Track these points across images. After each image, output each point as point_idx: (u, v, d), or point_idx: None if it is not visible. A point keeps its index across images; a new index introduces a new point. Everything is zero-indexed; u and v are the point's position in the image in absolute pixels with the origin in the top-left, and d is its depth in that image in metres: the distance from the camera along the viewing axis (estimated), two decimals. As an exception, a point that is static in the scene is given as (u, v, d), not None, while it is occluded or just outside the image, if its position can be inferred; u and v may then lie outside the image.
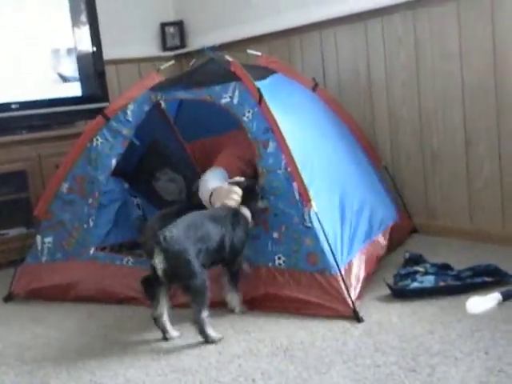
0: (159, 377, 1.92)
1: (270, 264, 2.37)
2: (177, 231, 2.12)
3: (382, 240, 2.73)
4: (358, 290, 2.32)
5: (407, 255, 2.66)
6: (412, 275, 2.43)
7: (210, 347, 2.09)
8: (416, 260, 2.60)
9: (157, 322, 2.18)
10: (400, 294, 2.35)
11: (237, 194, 2.39)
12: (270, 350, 2.02)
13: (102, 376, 1.97)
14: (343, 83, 3.44)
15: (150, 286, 2.18)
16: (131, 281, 2.56)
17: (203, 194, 2.58)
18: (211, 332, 2.14)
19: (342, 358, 1.91)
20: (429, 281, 2.37)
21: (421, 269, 2.45)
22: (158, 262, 2.08)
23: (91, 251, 2.73)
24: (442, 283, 2.36)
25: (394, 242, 2.88)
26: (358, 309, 2.20)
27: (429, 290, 2.34)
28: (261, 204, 2.40)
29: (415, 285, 2.36)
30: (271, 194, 2.41)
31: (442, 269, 2.46)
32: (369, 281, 2.46)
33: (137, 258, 2.67)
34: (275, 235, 2.38)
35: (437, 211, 3.15)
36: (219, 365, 1.96)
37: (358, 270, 2.39)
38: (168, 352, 2.10)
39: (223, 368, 1.93)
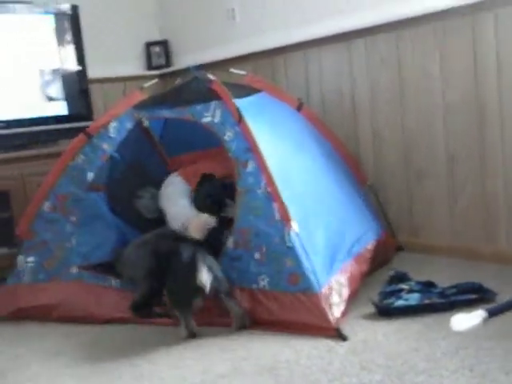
0: (143, 397, 1.90)
1: (254, 286, 2.35)
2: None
3: (365, 257, 2.72)
4: (341, 307, 2.31)
5: (392, 273, 2.66)
6: (397, 293, 2.42)
7: (195, 367, 2.07)
8: (401, 278, 2.59)
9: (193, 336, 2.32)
10: (385, 311, 2.34)
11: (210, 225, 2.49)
12: (255, 369, 2.00)
13: (84, 397, 1.95)
14: (327, 103, 3.46)
15: (146, 310, 2.46)
16: (118, 301, 2.55)
17: (174, 221, 2.63)
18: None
19: (328, 377, 1.89)
20: (414, 298, 2.37)
21: (406, 286, 2.45)
22: (207, 278, 2.25)
23: (74, 271, 2.70)
24: (426, 301, 2.35)
25: (379, 260, 2.88)
26: (342, 327, 2.19)
27: (414, 307, 2.34)
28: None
29: (400, 302, 2.36)
30: (251, 213, 2.41)
31: (427, 286, 2.46)
32: (353, 298, 2.46)
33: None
34: (257, 256, 2.37)
35: (421, 229, 3.17)
36: (203, 384, 1.94)
37: (341, 288, 2.38)
38: (151, 373, 2.07)
39: (208, 388, 1.91)
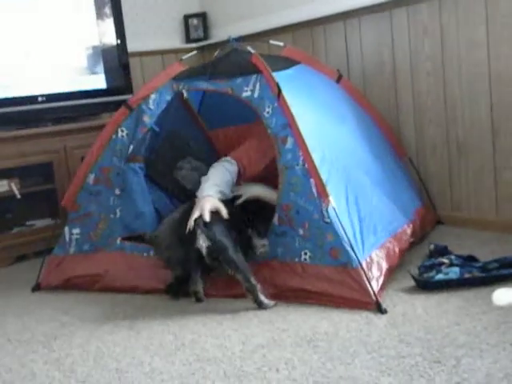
0: (184, 366, 1.94)
1: (297, 259, 2.38)
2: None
3: (404, 231, 2.70)
4: (380, 281, 2.31)
5: (432, 247, 2.64)
6: (437, 267, 2.41)
7: (235, 337, 2.10)
8: (441, 252, 2.58)
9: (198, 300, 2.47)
10: (425, 285, 2.33)
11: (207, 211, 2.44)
12: (294, 340, 2.02)
13: (127, 364, 2.00)
14: (367, 73, 3.42)
15: (175, 291, 2.53)
16: (158, 272, 2.59)
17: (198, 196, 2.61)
18: (264, 299, 2.32)
19: (366, 349, 1.90)
20: (454, 272, 2.35)
21: (446, 260, 2.43)
22: (203, 242, 2.34)
23: (118, 241, 2.76)
24: (467, 275, 2.33)
25: (419, 234, 2.86)
26: (381, 300, 2.20)
27: (454, 281, 2.32)
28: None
29: (440, 276, 2.34)
30: (291, 190, 2.41)
31: (468, 260, 2.44)
32: (393, 272, 2.45)
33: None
34: (301, 232, 2.38)
35: (462, 203, 3.12)
36: (243, 354, 1.97)
37: (381, 262, 2.38)
38: (193, 342, 2.11)
39: (247, 358, 1.94)
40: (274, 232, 2.45)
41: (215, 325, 2.23)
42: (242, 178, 2.73)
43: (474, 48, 2.90)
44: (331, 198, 2.30)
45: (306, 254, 2.36)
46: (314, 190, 2.35)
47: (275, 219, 2.45)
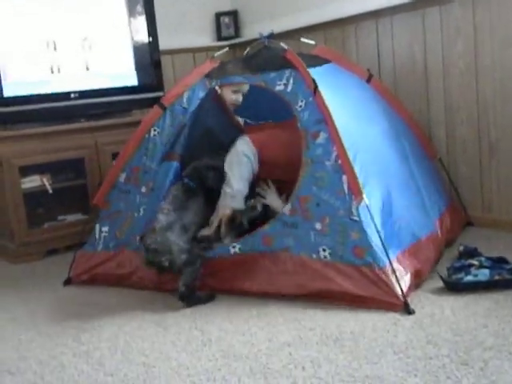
0: (210, 362, 1.95)
1: (314, 256, 2.35)
2: None
3: (434, 232, 2.67)
4: (408, 282, 2.28)
5: (462, 248, 2.62)
6: (466, 268, 2.38)
7: (261, 334, 2.11)
8: (471, 253, 2.55)
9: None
10: (454, 287, 2.31)
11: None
12: (320, 339, 2.02)
13: (154, 359, 2.02)
14: (399, 72, 3.39)
15: (193, 297, 2.50)
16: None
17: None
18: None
19: (393, 349, 1.90)
20: (483, 274, 2.32)
21: (475, 262, 2.41)
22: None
23: (137, 240, 2.77)
24: (497, 277, 2.31)
25: (448, 237, 2.82)
26: (409, 301, 2.18)
27: (483, 283, 2.30)
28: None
29: (469, 278, 2.32)
30: (314, 184, 2.40)
31: (498, 262, 2.41)
32: (420, 275, 2.43)
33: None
34: (318, 226, 2.36)
35: (493, 204, 3.08)
36: (269, 352, 1.98)
37: (407, 263, 2.35)
38: (219, 338, 2.13)
39: (273, 355, 1.95)
40: (282, 221, 2.44)
41: (242, 322, 2.24)
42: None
43: (508, 47, 2.85)
44: (364, 196, 2.29)
45: (324, 250, 2.33)
46: (346, 186, 2.33)
47: (286, 209, 2.44)
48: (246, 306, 2.38)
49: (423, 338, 1.95)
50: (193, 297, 2.45)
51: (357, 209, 2.29)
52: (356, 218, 2.28)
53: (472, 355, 1.80)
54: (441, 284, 2.34)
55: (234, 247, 2.51)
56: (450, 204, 3.02)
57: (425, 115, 3.28)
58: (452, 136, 3.20)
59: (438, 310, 2.15)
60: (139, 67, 3.82)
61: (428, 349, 1.87)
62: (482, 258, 2.44)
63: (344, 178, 2.34)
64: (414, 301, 2.24)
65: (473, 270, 2.36)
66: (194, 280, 2.46)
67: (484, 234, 3.00)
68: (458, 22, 3.04)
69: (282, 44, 2.79)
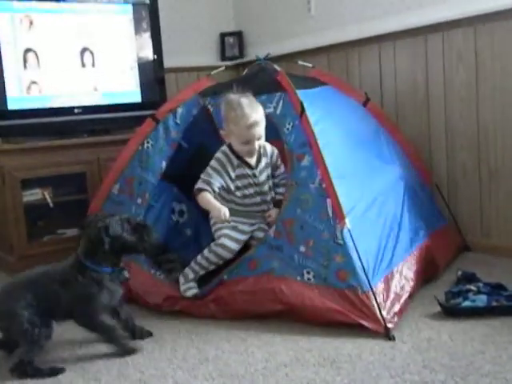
0: (206, 381, 1.95)
1: (299, 278, 2.34)
2: None
3: (422, 255, 2.63)
4: (393, 306, 2.27)
5: (460, 273, 2.62)
6: (464, 294, 2.39)
7: (258, 354, 2.11)
8: (469, 278, 2.56)
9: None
10: (451, 312, 2.32)
11: None
12: (317, 361, 2.02)
13: (150, 375, 2.02)
14: (401, 97, 3.42)
15: None
16: (161, 288, 2.62)
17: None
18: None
19: (390, 373, 1.89)
20: (481, 300, 2.33)
21: (473, 287, 2.41)
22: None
23: None
24: (494, 303, 2.31)
25: (443, 260, 2.82)
26: (406, 324, 2.18)
27: (481, 309, 2.30)
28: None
29: (467, 303, 2.33)
30: (298, 206, 2.41)
31: (496, 288, 2.42)
32: (419, 296, 2.44)
33: (166, 273, 2.72)
34: (302, 249, 2.36)
35: (492, 230, 3.10)
36: (266, 372, 1.98)
37: (393, 287, 2.34)
38: (216, 357, 2.13)
39: (270, 375, 1.95)
40: (268, 243, 2.44)
41: (239, 341, 2.24)
42: None
43: (509, 75, 2.89)
44: (347, 220, 2.29)
45: (308, 273, 2.33)
46: (330, 209, 2.33)
47: (271, 231, 2.46)
48: (244, 325, 2.38)
49: (420, 363, 1.95)
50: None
51: (341, 232, 2.28)
52: (340, 242, 2.28)
53: (468, 381, 1.80)
54: (438, 309, 2.34)
55: (222, 279, 2.50)
56: (443, 228, 3.01)
57: (426, 139, 3.31)
58: (452, 161, 3.22)
59: (435, 335, 2.16)
60: (143, 84, 3.85)
61: (425, 373, 1.87)
62: (480, 284, 2.45)
63: (328, 201, 2.34)
64: (411, 325, 2.24)
65: (471, 296, 2.36)
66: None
67: (482, 259, 3.01)
68: (460, 48, 3.08)
69: (276, 66, 2.82)
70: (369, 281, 2.22)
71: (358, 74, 3.62)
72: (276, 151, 2.70)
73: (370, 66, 3.56)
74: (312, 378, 1.90)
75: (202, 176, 2.59)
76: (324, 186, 2.37)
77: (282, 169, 2.70)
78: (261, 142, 2.58)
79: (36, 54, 3.50)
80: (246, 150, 2.57)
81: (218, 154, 2.64)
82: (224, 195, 2.64)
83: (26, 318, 2.09)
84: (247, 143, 2.55)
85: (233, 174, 2.62)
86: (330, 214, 2.33)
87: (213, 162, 2.62)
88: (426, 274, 2.63)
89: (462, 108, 3.12)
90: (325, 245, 2.31)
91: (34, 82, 3.51)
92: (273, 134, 2.69)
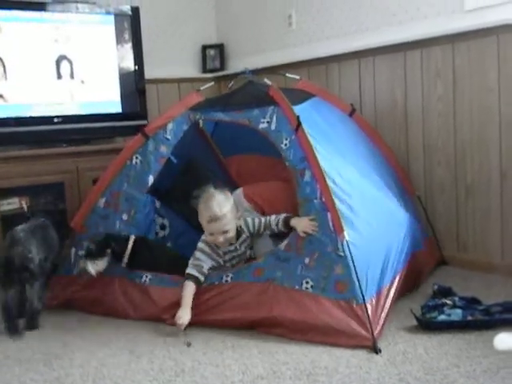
0: (182, 393, 1.95)
1: (297, 287, 2.36)
2: None
3: (408, 269, 2.67)
4: (382, 320, 2.30)
5: (436, 287, 2.64)
6: (440, 307, 2.41)
7: (235, 366, 2.11)
8: (445, 292, 2.58)
9: None
10: (427, 325, 2.33)
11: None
12: (294, 373, 2.03)
13: (126, 388, 2.01)
14: (380, 111, 3.46)
15: None
16: (152, 301, 2.62)
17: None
18: None
19: (365, 386, 1.91)
20: (457, 314, 2.35)
21: (449, 302, 2.43)
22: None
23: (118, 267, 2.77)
24: (470, 317, 2.33)
25: (421, 272, 2.85)
26: (382, 338, 2.20)
27: (456, 323, 2.32)
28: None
29: (443, 317, 2.34)
30: None
31: (471, 303, 2.44)
32: (396, 310, 2.45)
33: (154, 275, 2.70)
34: (306, 260, 2.38)
35: (468, 244, 3.13)
36: (242, 384, 1.97)
37: (385, 301, 2.38)
38: (193, 369, 2.12)
39: (246, 388, 1.95)
40: (276, 255, 2.46)
41: (216, 354, 2.23)
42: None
43: (486, 92, 2.94)
44: (346, 233, 2.31)
45: (307, 282, 2.35)
46: (331, 223, 2.36)
47: (282, 245, 2.46)
48: (221, 337, 2.38)
49: (395, 376, 1.96)
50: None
51: (342, 244, 2.31)
52: (341, 254, 2.30)
53: (443, 394, 1.82)
54: (415, 322, 2.36)
55: (227, 276, 2.52)
56: (425, 241, 3.04)
57: (404, 154, 3.34)
58: (430, 176, 3.26)
59: (411, 348, 2.17)
60: (124, 95, 3.85)
61: (400, 386, 1.89)
62: (456, 298, 2.47)
63: (329, 215, 2.37)
64: (388, 338, 2.25)
65: (446, 310, 2.39)
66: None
67: (458, 273, 3.04)
68: (438, 65, 3.13)
69: (266, 80, 2.84)
70: (364, 294, 2.24)
71: (338, 88, 3.65)
72: (261, 220, 2.66)
73: (350, 81, 3.59)
74: (288, 391, 1.91)
75: (192, 261, 2.58)
76: (324, 199, 2.39)
77: (272, 217, 2.65)
78: (228, 236, 2.57)
79: (3, 63, 3.47)
80: (212, 240, 2.58)
81: (201, 245, 2.63)
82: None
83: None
84: (211, 235, 2.57)
85: (221, 252, 2.63)
86: (332, 228, 2.35)
87: (198, 250, 2.61)
88: (407, 288, 2.66)
89: (439, 124, 3.16)
90: (328, 257, 2.34)
91: (14, 90, 3.49)
92: (269, 149, 2.71)
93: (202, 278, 2.54)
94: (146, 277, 2.68)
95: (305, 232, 2.42)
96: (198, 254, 2.59)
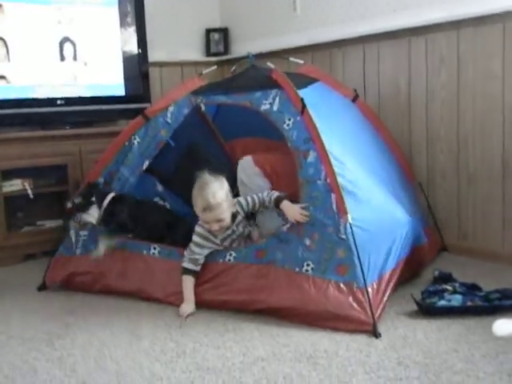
0: (183, 373, 1.96)
1: (297, 269, 2.37)
2: None
3: (411, 255, 2.67)
4: (382, 305, 2.32)
5: (436, 273, 2.66)
6: (440, 293, 2.43)
7: (235, 348, 2.13)
8: (445, 278, 2.60)
9: None
10: (427, 310, 2.35)
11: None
12: (294, 356, 2.04)
13: (127, 367, 2.03)
14: (383, 97, 3.45)
15: None
16: (157, 275, 2.65)
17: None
18: None
19: (365, 369, 1.92)
20: (456, 300, 2.37)
21: (449, 287, 2.45)
22: None
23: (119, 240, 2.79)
24: (469, 303, 2.35)
25: (422, 259, 2.86)
26: (382, 322, 2.21)
27: (456, 308, 2.34)
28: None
29: (443, 303, 2.36)
30: (311, 204, 2.42)
31: (471, 289, 2.46)
32: (396, 294, 2.46)
33: (163, 247, 2.71)
34: (307, 242, 2.38)
35: (469, 232, 3.14)
36: (243, 366, 1.99)
37: (385, 286, 2.38)
38: (194, 350, 2.14)
39: (246, 369, 1.96)
40: (279, 237, 2.46)
41: (217, 336, 2.25)
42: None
43: (490, 79, 2.93)
44: (349, 216, 2.32)
45: (308, 265, 2.35)
46: (334, 205, 2.35)
47: (285, 227, 2.47)
48: (222, 319, 2.40)
49: (395, 360, 1.98)
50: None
51: (344, 227, 2.31)
52: (343, 237, 2.31)
53: (441, 378, 1.83)
54: (415, 307, 2.38)
55: (230, 254, 2.53)
56: (426, 227, 3.05)
57: (406, 141, 3.34)
58: (432, 164, 3.26)
59: (410, 333, 2.19)
60: (127, 78, 3.85)
61: (399, 370, 1.90)
62: (456, 284, 2.49)
63: (333, 196, 2.36)
64: (387, 322, 2.27)
65: (446, 295, 2.40)
66: None
67: (459, 260, 3.05)
68: (443, 51, 3.12)
69: (269, 63, 2.83)
70: (365, 278, 2.25)
71: (342, 74, 3.65)
72: (255, 198, 2.65)
73: (354, 67, 3.59)
74: (288, 373, 1.92)
75: (188, 254, 2.58)
76: (329, 181, 2.39)
77: (264, 194, 2.64)
78: (223, 224, 2.54)
79: (6, 44, 3.46)
80: (207, 227, 2.57)
81: (198, 229, 2.62)
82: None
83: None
84: (206, 223, 2.56)
85: (217, 240, 2.62)
86: (335, 210, 2.35)
87: (195, 238, 2.60)
88: (408, 275, 2.67)
89: (442, 111, 3.16)
90: (329, 239, 2.34)
91: (18, 72, 3.49)
92: (271, 134, 2.71)
93: (198, 269, 2.56)
94: (155, 249, 2.70)
95: (296, 220, 2.42)
96: (193, 246, 2.58)
